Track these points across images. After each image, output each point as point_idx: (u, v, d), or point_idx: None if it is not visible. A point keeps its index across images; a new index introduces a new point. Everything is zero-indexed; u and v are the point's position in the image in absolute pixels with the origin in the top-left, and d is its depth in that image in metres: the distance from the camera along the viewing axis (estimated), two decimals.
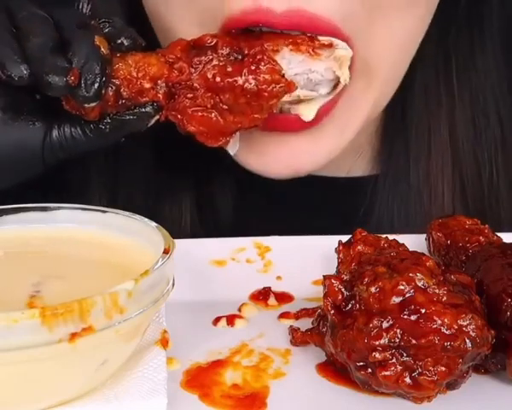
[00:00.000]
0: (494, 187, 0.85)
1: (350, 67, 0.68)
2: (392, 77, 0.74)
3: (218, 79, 0.63)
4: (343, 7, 0.66)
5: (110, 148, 0.81)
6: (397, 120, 0.86)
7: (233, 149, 0.68)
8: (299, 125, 0.69)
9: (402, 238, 0.60)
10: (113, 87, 0.61)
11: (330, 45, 0.66)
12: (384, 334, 0.50)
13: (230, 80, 0.63)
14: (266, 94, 0.63)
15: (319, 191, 0.87)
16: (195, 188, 0.87)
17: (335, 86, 0.69)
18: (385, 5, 0.68)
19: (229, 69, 0.63)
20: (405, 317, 0.50)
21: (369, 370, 0.51)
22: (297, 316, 0.62)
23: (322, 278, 0.55)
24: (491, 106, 0.85)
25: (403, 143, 0.85)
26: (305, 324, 0.59)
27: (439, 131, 0.84)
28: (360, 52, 0.69)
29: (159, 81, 0.62)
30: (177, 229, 0.85)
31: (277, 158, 0.72)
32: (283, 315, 0.62)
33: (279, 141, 0.71)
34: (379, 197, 0.86)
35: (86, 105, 0.59)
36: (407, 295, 0.51)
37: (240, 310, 0.63)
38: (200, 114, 0.64)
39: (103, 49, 0.59)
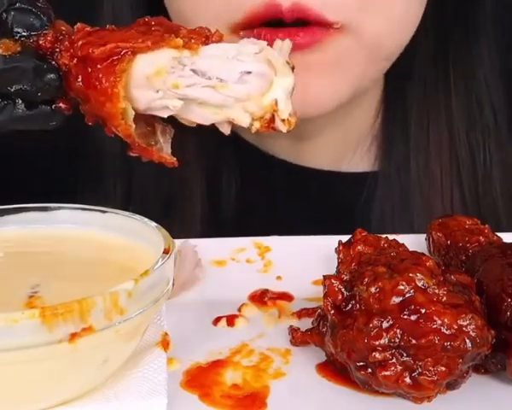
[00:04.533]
0: (487, 171, 0.87)
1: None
2: (389, 49, 0.76)
3: None
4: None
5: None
6: (397, 109, 0.87)
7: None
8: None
9: (402, 238, 0.60)
10: None
11: None
12: (384, 334, 0.50)
13: None
14: None
15: (320, 184, 0.88)
16: (206, 183, 0.88)
17: None
18: None
19: None
20: (405, 317, 0.50)
21: (369, 370, 0.51)
22: (297, 316, 0.62)
23: (322, 278, 0.55)
24: (484, 94, 0.87)
25: (403, 131, 0.87)
26: (305, 324, 0.59)
27: (436, 119, 0.86)
28: (351, 25, 0.71)
29: None
30: (189, 222, 0.87)
31: None
32: (283, 315, 0.62)
33: None
34: (379, 189, 0.87)
35: None
36: (407, 295, 0.51)
37: (240, 310, 0.63)
38: None
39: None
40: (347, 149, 0.89)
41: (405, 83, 0.86)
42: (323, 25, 0.70)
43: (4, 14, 0.55)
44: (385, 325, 0.50)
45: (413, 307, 0.50)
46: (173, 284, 0.52)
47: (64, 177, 0.87)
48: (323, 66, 0.73)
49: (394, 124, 0.88)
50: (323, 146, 0.88)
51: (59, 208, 0.58)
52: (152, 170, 0.87)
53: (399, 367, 0.50)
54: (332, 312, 0.53)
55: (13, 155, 0.83)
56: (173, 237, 0.53)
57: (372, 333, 0.50)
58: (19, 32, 0.55)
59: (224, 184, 0.89)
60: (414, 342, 0.49)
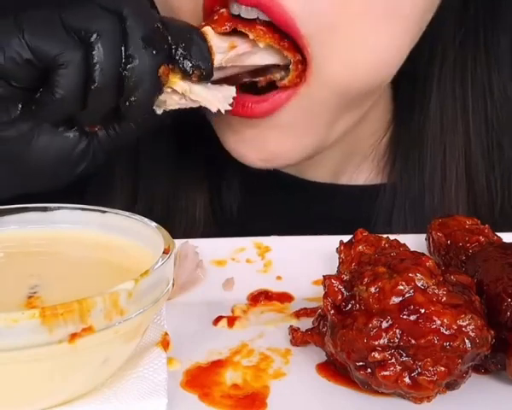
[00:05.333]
0: (505, 214, 0.85)
1: (301, 70, 0.68)
2: (357, 90, 0.72)
3: None
4: (308, 3, 0.65)
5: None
6: (411, 128, 0.85)
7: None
8: (257, 112, 0.70)
9: (402, 238, 0.60)
10: None
11: None
12: (383, 334, 0.50)
13: None
14: None
15: (322, 198, 0.87)
16: (208, 188, 0.89)
17: None
18: (357, 12, 0.66)
19: None
20: (405, 317, 0.50)
21: (369, 370, 0.51)
22: (297, 316, 0.62)
23: (322, 278, 0.55)
24: (506, 135, 0.84)
25: (417, 159, 0.85)
26: (305, 324, 0.59)
27: (454, 154, 0.84)
28: (317, 58, 0.67)
29: None
30: (191, 224, 0.87)
31: (248, 142, 0.73)
32: (283, 315, 0.62)
33: (249, 125, 0.72)
34: (386, 209, 0.85)
35: None
36: (406, 295, 0.51)
37: (240, 310, 0.63)
38: None
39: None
40: (350, 164, 0.88)
41: (422, 107, 0.84)
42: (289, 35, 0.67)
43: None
44: (384, 325, 0.50)
45: (412, 307, 0.50)
46: (173, 284, 0.53)
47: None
48: (283, 128, 0.71)
49: (409, 146, 0.85)
50: (324, 161, 0.86)
51: (58, 208, 0.58)
52: (158, 171, 0.88)
53: (399, 367, 0.50)
54: (332, 312, 0.53)
55: None
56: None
57: (372, 333, 0.50)
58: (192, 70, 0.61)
59: (225, 192, 0.89)
60: (413, 342, 0.49)
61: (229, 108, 0.65)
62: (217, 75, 0.65)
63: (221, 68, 0.65)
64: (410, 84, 0.84)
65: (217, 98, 0.64)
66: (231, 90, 0.66)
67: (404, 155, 0.86)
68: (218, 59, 0.64)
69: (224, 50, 0.65)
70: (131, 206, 0.86)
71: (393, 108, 0.88)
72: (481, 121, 0.84)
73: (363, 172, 0.89)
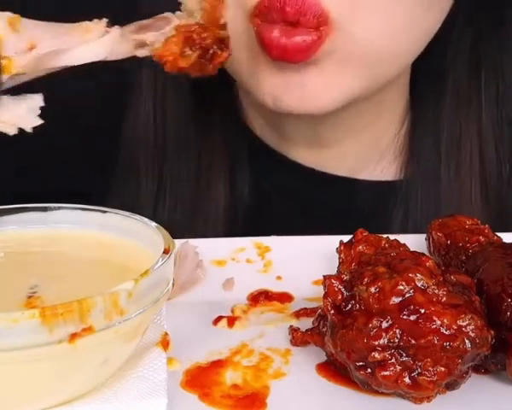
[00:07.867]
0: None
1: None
2: (391, 58, 0.75)
3: None
4: None
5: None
6: (428, 119, 0.86)
7: None
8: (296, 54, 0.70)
9: (402, 238, 0.60)
10: None
11: None
12: (383, 334, 0.50)
13: None
14: None
15: (342, 193, 0.88)
16: (229, 187, 0.89)
17: None
18: None
19: None
20: (405, 317, 0.50)
21: (369, 370, 0.51)
22: (297, 316, 0.62)
23: (322, 278, 0.55)
24: None
25: (434, 142, 0.86)
26: (305, 324, 0.59)
27: (467, 132, 0.85)
28: (337, 21, 0.70)
29: None
30: (213, 220, 0.88)
31: (287, 88, 0.73)
32: (283, 315, 0.62)
33: (289, 72, 0.73)
34: (407, 198, 0.86)
35: None
36: (407, 295, 0.51)
37: (240, 310, 0.63)
38: None
39: None
40: (369, 158, 0.89)
41: (438, 93, 0.86)
42: (315, 20, 0.69)
43: None
44: (384, 325, 0.50)
45: (412, 307, 0.50)
46: (173, 284, 0.53)
47: (96, 173, 0.88)
48: (321, 72, 0.72)
49: (425, 134, 0.87)
50: (343, 155, 0.87)
51: (58, 208, 0.58)
52: (181, 177, 0.89)
53: (399, 367, 0.50)
54: (332, 312, 0.53)
55: (42, 151, 0.84)
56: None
57: (372, 333, 0.50)
58: None
59: (239, 185, 0.89)
60: (413, 342, 0.49)
61: (38, 122, 0.55)
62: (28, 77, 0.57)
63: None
64: (427, 70, 0.84)
65: (17, 114, 0.54)
66: (37, 100, 0.56)
67: (421, 143, 0.87)
68: (17, 65, 0.55)
69: (23, 51, 0.56)
70: (156, 202, 0.87)
71: (409, 97, 0.89)
72: (492, 100, 0.85)
73: (381, 167, 0.89)
